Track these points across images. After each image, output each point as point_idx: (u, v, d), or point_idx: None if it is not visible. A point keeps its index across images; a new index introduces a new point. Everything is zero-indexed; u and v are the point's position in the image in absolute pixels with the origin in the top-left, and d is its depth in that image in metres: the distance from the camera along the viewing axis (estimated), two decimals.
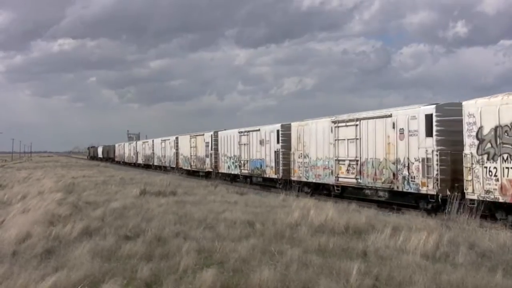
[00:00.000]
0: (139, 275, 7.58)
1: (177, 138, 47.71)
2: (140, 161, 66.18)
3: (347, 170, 20.96)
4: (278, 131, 27.18)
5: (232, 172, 33.75)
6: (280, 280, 7.15)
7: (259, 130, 29.71)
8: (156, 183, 25.44)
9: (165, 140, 52.75)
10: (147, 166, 61.04)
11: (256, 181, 30.45)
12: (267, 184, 29.01)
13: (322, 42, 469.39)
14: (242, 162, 31.69)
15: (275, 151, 27.14)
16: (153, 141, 59.25)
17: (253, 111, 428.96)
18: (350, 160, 20.82)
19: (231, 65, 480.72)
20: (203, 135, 39.56)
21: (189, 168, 43.23)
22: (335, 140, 21.84)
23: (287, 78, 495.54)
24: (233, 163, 33.51)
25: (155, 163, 57.11)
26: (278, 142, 26.99)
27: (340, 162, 21.43)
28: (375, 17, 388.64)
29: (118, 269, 7.87)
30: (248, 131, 31.13)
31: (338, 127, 21.69)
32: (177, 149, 47.08)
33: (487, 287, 6.97)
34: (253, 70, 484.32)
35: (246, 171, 31.22)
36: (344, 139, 21.31)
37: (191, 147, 42.43)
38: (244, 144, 31.43)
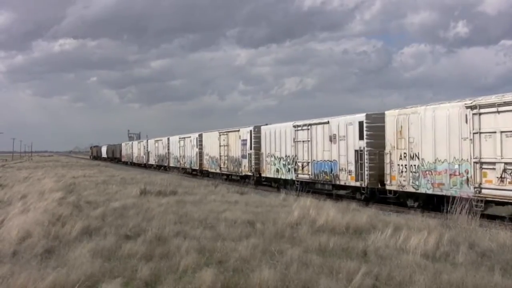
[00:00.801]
0: (139, 274, 7.58)
1: (200, 135, 41.29)
2: (152, 161, 59.52)
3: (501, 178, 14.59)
4: (361, 123, 20.60)
5: (283, 177, 26.86)
6: (280, 280, 7.14)
7: (327, 122, 23.19)
8: (156, 183, 25.44)
9: (184, 138, 46.00)
10: (160, 168, 54.43)
11: (322, 188, 23.85)
12: (340, 193, 22.92)
13: (323, 42, 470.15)
14: (300, 164, 25.40)
15: (355, 150, 20.75)
16: (168, 139, 52.01)
17: (254, 111, 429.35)
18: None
19: (232, 65, 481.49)
20: (238, 131, 33.16)
21: (216, 170, 36.76)
22: (474, 133, 15.36)
23: (287, 78, 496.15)
24: (284, 165, 27.04)
25: (171, 164, 50.26)
26: (361, 138, 20.48)
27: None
28: (376, 17, 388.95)
29: (118, 268, 7.87)
30: (310, 125, 24.66)
31: (480, 114, 15.21)
32: (200, 148, 40.82)
33: (487, 287, 6.96)
34: (254, 70, 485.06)
35: (305, 176, 24.84)
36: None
37: (220, 145, 35.88)
38: (303, 141, 25.12)
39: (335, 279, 7.23)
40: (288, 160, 26.40)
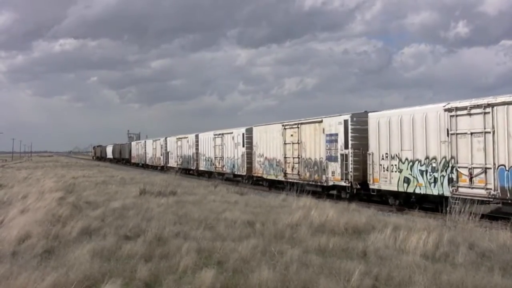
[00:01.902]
0: (138, 275, 7.58)
1: (249, 129, 31.17)
2: (172, 163, 48.45)
3: None
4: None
5: (424, 191, 17.34)
6: (280, 280, 7.14)
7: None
8: (156, 183, 25.42)
9: (223, 134, 35.56)
10: (186, 172, 43.80)
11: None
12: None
13: (323, 42, 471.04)
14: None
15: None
16: (197, 136, 41.57)
17: (254, 111, 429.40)
18: None
19: (232, 65, 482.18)
20: (321, 122, 22.80)
21: (279, 177, 26.31)
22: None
23: (288, 78, 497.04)
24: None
25: (201, 168, 40.45)
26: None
27: None
28: (376, 18, 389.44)
29: (118, 269, 7.86)
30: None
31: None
32: (249, 148, 30.53)
33: (487, 287, 6.96)
34: (254, 70, 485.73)
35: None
36: None
37: (285, 143, 25.68)
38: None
39: (335, 279, 7.23)
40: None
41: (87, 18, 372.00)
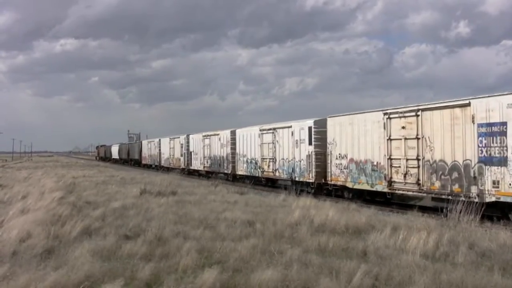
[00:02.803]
0: (139, 275, 7.58)
1: (320, 121, 23.90)
2: (197, 165, 40.71)
3: None
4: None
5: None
6: (280, 280, 7.15)
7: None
8: (156, 183, 25.44)
9: (275, 129, 27.87)
10: (214, 175, 35.82)
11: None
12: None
13: (324, 42, 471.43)
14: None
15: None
16: (233, 133, 33.55)
17: (254, 111, 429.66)
18: None
19: (233, 65, 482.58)
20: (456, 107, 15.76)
21: (377, 187, 19.44)
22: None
23: (288, 78, 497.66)
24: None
25: (240, 171, 32.23)
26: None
27: None
28: (377, 18, 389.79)
29: (118, 269, 7.87)
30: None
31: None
32: (321, 146, 23.59)
33: (487, 287, 6.97)
34: (254, 70, 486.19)
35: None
36: None
37: (390, 139, 18.67)
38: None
39: (335, 279, 7.24)
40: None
41: (88, 18, 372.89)
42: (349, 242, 9.97)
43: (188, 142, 43.73)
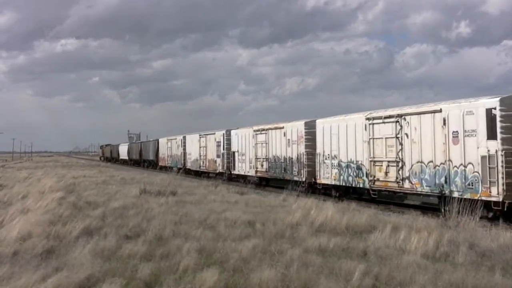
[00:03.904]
0: (139, 275, 7.58)
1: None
2: (245, 169, 31.16)
3: None
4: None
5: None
6: (281, 280, 7.15)
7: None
8: (156, 183, 25.44)
9: (402, 116, 17.91)
10: (264, 182, 29.52)
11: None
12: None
13: (325, 42, 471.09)
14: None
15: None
16: (309, 125, 24.41)
17: (255, 111, 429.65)
18: None
19: (233, 65, 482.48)
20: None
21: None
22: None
23: (289, 78, 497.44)
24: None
25: (325, 179, 22.57)
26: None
27: None
28: (378, 18, 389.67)
29: (118, 269, 7.87)
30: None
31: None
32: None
33: (487, 287, 6.96)
34: (255, 70, 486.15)
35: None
36: None
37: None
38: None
39: (335, 279, 7.23)
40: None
41: (89, 18, 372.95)
42: (349, 242, 9.96)
43: (228, 140, 34.09)
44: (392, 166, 18.51)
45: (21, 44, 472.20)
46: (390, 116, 18.72)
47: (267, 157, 28.55)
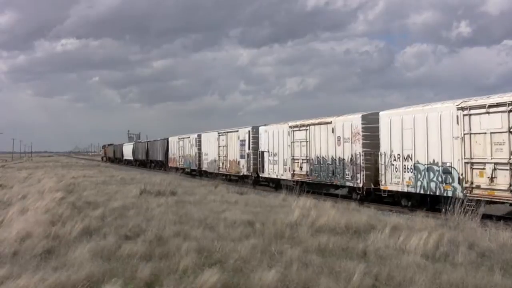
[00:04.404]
0: (139, 275, 7.58)
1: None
2: (279, 172, 26.74)
3: None
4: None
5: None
6: (280, 280, 7.14)
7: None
8: (156, 183, 25.43)
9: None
10: (304, 188, 21.73)
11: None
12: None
13: (325, 42, 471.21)
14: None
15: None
16: (368, 118, 20.32)
17: (255, 111, 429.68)
18: None
19: (233, 65, 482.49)
20: None
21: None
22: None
23: (289, 78, 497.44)
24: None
25: (395, 185, 18.12)
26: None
27: None
28: (379, 17, 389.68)
29: (118, 269, 7.86)
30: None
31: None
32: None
33: (487, 287, 6.96)
34: (255, 70, 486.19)
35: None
36: None
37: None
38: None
39: (335, 279, 7.23)
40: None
41: (90, 18, 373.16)
42: (349, 242, 9.96)
43: (255, 138, 29.79)
44: (502, 169, 14.16)
45: (22, 44, 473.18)
46: (499, 104, 14.30)
47: (307, 157, 23.89)
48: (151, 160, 59.76)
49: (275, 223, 11.94)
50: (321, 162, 22.79)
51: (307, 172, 24.02)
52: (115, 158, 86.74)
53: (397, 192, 18.22)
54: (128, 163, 73.06)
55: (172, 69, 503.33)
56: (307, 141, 24.05)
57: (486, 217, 14.16)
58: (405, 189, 17.65)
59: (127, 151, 75.37)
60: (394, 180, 18.18)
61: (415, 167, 17.15)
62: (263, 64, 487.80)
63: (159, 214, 13.82)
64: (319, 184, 23.50)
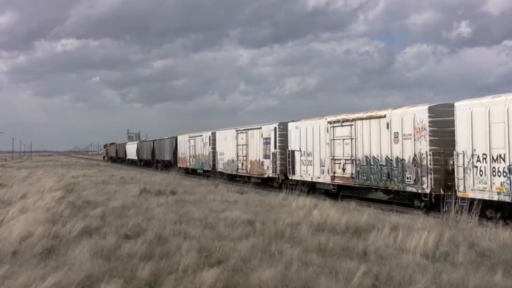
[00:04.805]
0: (139, 274, 7.58)
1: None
2: (315, 175, 23.19)
3: None
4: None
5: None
6: (280, 280, 7.14)
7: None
8: (156, 182, 25.42)
9: None
10: (344, 194, 21.80)
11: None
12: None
13: (325, 42, 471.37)
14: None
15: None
16: (436, 111, 16.91)
17: (255, 111, 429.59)
18: None
19: (234, 65, 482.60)
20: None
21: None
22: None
23: (289, 78, 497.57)
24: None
25: (479, 193, 14.55)
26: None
27: None
28: (379, 18, 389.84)
29: (118, 268, 7.87)
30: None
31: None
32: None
33: (487, 287, 6.96)
34: (255, 70, 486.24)
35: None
36: None
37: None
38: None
39: (335, 278, 7.23)
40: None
41: (90, 18, 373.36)
42: (349, 242, 9.96)
43: (283, 135, 26.46)
44: None
45: (22, 44, 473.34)
46: None
47: (353, 157, 20.25)
48: (158, 160, 55.77)
49: (275, 223, 11.94)
50: (372, 163, 19.17)
51: (352, 174, 20.34)
52: (117, 158, 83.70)
53: (485, 201, 14.39)
54: (131, 163, 69.91)
55: (172, 69, 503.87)
56: (352, 138, 20.43)
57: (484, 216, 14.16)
58: (495, 197, 14.05)
59: (131, 150, 71.83)
60: (478, 186, 14.55)
61: (510, 170, 13.63)
62: (263, 64, 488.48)
63: (159, 213, 13.81)
64: (367, 189, 20.54)
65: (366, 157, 19.46)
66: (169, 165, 48.89)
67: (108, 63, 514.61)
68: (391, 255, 8.76)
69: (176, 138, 48.24)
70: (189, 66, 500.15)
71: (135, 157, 67.47)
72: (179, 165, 45.66)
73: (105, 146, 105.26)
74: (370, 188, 19.90)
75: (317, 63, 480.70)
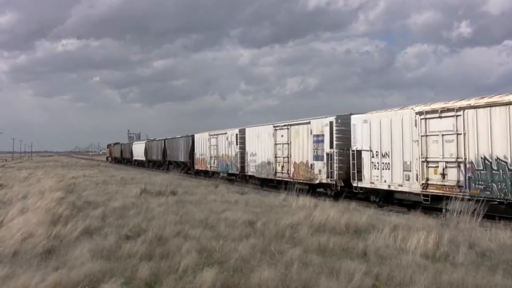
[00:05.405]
0: (139, 274, 7.58)
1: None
2: (388, 181, 18.14)
3: None
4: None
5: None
6: (281, 280, 7.14)
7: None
8: (156, 183, 25.42)
9: None
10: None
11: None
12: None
13: (325, 42, 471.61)
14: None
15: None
16: None
17: (255, 111, 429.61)
18: None
19: (234, 65, 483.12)
20: None
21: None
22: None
23: (289, 78, 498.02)
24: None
25: None
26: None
27: None
28: (379, 18, 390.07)
29: (118, 268, 7.87)
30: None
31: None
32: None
33: (487, 287, 6.96)
34: (256, 70, 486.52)
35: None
36: None
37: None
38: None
39: (335, 279, 7.23)
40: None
41: (91, 18, 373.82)
42: (349, 242, 9.96)
43: (342, 131, 21.26)
44: None
45: (22, 44, 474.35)
46: None
47: (460, 159, 15.25)
48: (170, 161, 50.16)
49: (276, 223, 11.95)
50: (495, 167, 14.22)
51: (458, 181, 15.37)
52: (122, 159, 78.21)
53: None
54: (138, 164, 64.58)
55: (173, 69, 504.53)
56: (459, 134, 15.37)
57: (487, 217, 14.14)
58: None
59: (138, 150, 66.38)
60: None
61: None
62: (264, 64, 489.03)
63: (160, 214, 13.82)
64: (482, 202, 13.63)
65: (484, 158, 14.56)
66: (184, 167, 44.59)
67: (108, 63, 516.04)
68: (391, 255, 8.76)
69: (192, 137, 43.04)
70: (189, 66, 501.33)
71: (143, 158, 62.38)
72: (196, 167, 41.29)
73: (108, 146, 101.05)
74: (491, 200, 14.41)
75: (318, 63, 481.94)
